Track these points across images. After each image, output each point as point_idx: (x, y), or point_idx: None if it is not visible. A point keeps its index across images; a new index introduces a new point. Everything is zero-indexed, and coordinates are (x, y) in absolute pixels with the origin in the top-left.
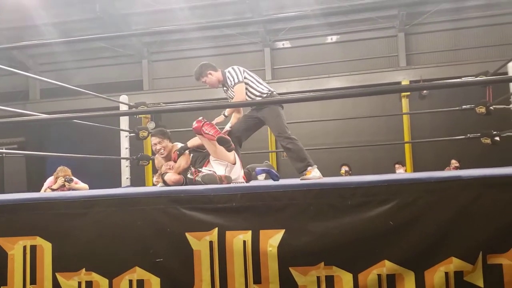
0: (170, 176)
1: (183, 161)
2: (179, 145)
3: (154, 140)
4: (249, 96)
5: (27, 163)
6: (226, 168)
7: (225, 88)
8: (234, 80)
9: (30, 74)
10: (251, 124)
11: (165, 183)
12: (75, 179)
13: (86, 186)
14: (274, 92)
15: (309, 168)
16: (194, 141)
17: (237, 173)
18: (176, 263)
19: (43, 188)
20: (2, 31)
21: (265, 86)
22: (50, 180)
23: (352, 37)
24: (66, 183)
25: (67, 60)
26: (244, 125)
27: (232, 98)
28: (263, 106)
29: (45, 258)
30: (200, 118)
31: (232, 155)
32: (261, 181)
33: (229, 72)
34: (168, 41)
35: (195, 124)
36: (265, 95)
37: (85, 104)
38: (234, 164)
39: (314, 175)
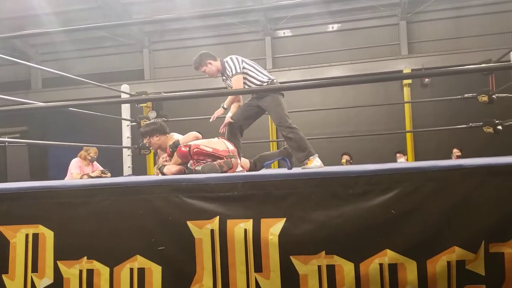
0: (171, 168)
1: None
2: (175, 135)
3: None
4: (248, 86)
5: (29, 152)
6: None
7: (224, 78)
8: (232, 71)
9: (31, 64)
10: (252, 113)
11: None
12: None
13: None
14: (275, 80)
15: (310, 157)
16: (186, 138)
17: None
18: (177, 251)
19: (73, 172)
20: (4, 20)
21: (265, 75)
22: (77, 162)
23: (354, 26)
24: (103, 174)
25: (68, 49)
26: (245, 113)
27: (231, 88)
28: (264, 94)
29: (47, 246)
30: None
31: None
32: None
33: (227, 62)
34: (169, 30)
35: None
36: (265, 83)
37: (87, 94)
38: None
39: (315, 164)
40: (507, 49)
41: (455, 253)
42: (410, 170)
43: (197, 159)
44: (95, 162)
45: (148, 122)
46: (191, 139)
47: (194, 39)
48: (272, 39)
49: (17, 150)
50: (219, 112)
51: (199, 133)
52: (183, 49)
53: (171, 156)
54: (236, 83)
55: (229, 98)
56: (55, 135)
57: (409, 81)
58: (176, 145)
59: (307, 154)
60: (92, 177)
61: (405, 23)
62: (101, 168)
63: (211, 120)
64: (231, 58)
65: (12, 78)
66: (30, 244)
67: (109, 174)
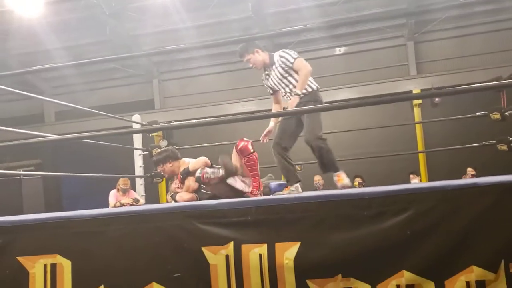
0: (183, 196)
1: (191, 182)
2: (186, 160)
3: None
4: (293, 87)
5: (44, 184)
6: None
7: (266, 73)
8: (292, 56)
9: (44, 97)
10: (293, 127)
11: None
12: (140, 198)
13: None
14: (319, 90)
15: (338, 172)
16: (196, 164)
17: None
18: (193, 278)
19: (110, 202)
20: (16, 56)
21: (313, 80)
22: (113, 193)
23: (361, 48)
24: (134, 202)
25: (79, 82)
26: (289, 127)
27: (278, 84)
28: (307, 101)
29: (65, 276)
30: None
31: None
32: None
33: (279, 55)
34: (177, 60)
35: (242, 144)
36: (311, 90)
37: (99, 125)
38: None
39: (346, 182)
40: None
41: (473, 272)
42: (424, 190)
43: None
44: (131, 191)
45: (160, 150)
46: (200, 165)
47: (202, 67)
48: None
49: (32, 183)
50: (271, 127)
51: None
52: (191, 78)
53: (182, 182)
54: (302, 64)
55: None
56: (68, 166)
57: (419, 101)
58: (186, 172)
59: (336, 167)
60: (123, 205)
61: (412, 44)
62: (135, 197)
63: (261, 140)
64: (283, 51)
65: (25, 112)
66: (48, 274)
67: (141, 202)
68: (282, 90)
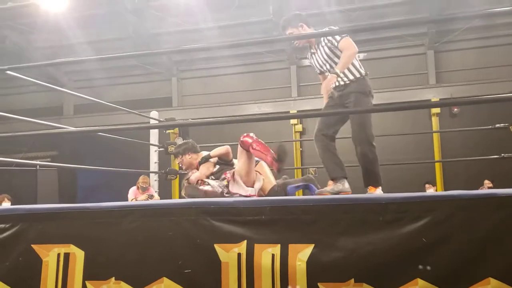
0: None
1: (204, 169)
2: (204, 153)
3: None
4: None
5: (59, 176)
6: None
7: (312, 51)
8: (338, 35)
9: (65, 90)
10: (335, 118)
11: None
12: (155, 194)
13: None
14: (367, 76)
15: (376, 184)
16: (217, 151)
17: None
18: (203, 274)
19: (129, 198)
20: (40, 50)
21: (361, 65)
22: (133, 189)
23: (381, 55)
24: (149, 198)
25: (100, 77)
26: (327, 119)
27: (323, 65)
28: (350, 91)
29: (77, 266)
30: (251, 134)
31: (252, 180)
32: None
33: (326, 32)
34: (197, 59)
35: (244, 139)
36: (359, 75)
37: (117, 120)
38: (252, 187)
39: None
40: None
41: (490, 285)
42: (441, 198)
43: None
44: (150, 188)
45: (181, 143)
46: (222, 152)
47: (221, 68)
48: (297, 67)
49: (47, 174)
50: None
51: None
52: (210, 77)
53: (197, 169)
54: (348, 42)
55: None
56: (83, 159)
57: (438, 110)
58: (206, 158)
59: (376, 180)
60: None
61: (432, 53)
62: (151, 193)
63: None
64: (329, 27)
65: (45, 104)
66: (61, 263)
67: (156, 197)
68: (327, 72)
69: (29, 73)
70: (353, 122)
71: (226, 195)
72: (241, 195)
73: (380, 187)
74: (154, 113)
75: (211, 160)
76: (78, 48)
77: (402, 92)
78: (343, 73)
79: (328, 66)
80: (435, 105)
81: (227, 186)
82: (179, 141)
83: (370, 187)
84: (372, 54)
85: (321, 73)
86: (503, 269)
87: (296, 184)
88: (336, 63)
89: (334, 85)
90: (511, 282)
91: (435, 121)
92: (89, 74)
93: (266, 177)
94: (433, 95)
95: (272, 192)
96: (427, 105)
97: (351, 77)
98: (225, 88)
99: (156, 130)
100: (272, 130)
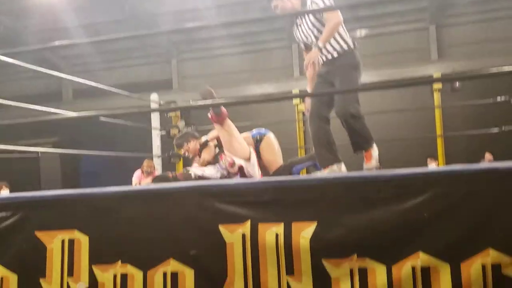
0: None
1: (206, 155)
2: (203, 138)
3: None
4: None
5: (61, 162)
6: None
7: (298, 22)
8: (324, 1)
9: (63, 75)
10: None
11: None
12: None
13: None
14: (356, 48)
15: (370, 148)
16: (212, 134)
17: (252, 171)
18: (209, 255)
19: (133, 182)
20: (35, 34)
21: (349, 37)
22: (137, 173)
23: (382, 31)
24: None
25: (98, 61)
26: (317, 97)
27: (309, 36)
28: (343, 64)
29: (82, 251)
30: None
31: (247, 151)
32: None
33: (312, 0)
34: (196, 40)
35: (221, 111)
36: (346, 48)
37: (117, 104)
38: (249, 160)
39: (372, 163)
40: None
41: (490, 256)
42: (442, 173)
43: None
44: (156, 172)
45: (180, 134)
46: (214, 134)
47: (221, 48)
48: (298, 46)
49: (49, 160)
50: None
51: None
52: (210, 58)
53: (199, 155)
54: (333, 13)
55: (327, 34)
56: (86, 145)
57: (439, 86)
58: (205, 143)
59: (366, 142)
60: None
61: (434, 28)
62: None
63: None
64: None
65: (43, 90)
66: (66, 249)
67: None
68: (313, 43)
69: (26, 59)
70: (338, 95)
71: (228, 176)
72: (243, 169)
73: (374, 148)
74: (154, 96)
75: (210, 143)
76: (74, 32)
77: (404, 68)
78: (331, 46)
79: (313, 38)
80: (437, 80)
81: (226, 168)
82: (181, 124)
83: (367, 152)
84: (373, 30)
85: (306, 48)
86: (502, 240)
87: (302, 164)
88: (321, 33)
89: (321, 61)
90: (508, 252)
91: (436, 96)
92: (86, 58)
93: (273, 156)
94: (435, 71)
95: (277, 173)
96: (428, 81)
97: (339, 50)
98: (225, 68)
99: (158, 113)
100: (275, 110)
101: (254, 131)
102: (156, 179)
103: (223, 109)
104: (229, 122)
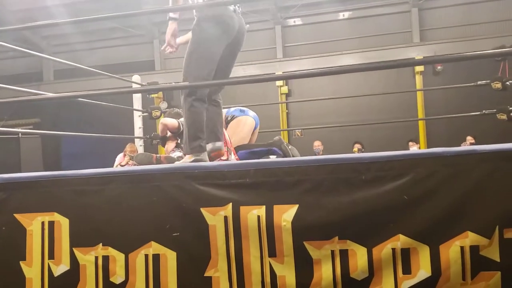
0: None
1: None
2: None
3: None
4: None
5: (43, 144)
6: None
7: None
8: None
9: (44, 55)
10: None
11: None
12: None
13: None
14: None
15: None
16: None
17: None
18: (192, 237)
19: (114, 165)
20: (14, 13)
21: None
22: (120, 156)
23: (365, 13)
24: (131, 161)
25: (79, 41)
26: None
27: None
28: (199, 19)
29: (63, 233)
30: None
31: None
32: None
33: None
34: (180, 21)
35: None
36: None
37: (98, 85)
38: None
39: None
40: None
41: (468, 238)
42: (423, 156)
43: None
44: None
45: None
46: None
47: None
48: (282, 27)
49: (30, 142)
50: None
51: None
52: None
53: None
54: None
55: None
56: (67, 126)
57: (421, 68)
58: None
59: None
60: (122, 166)
61: (417, 10)
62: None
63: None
64: None
65: (24, 70)
66: (46, 232)
67: None
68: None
69: (5, 38)
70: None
71: None
72: None
73: (194, 156)
74: (136, 77)
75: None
76: (55, 11)
77: (386, 51)
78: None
79: None
80: (418, 62)
81: None
82: (164, 105)
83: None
84: (356, 13)
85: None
86: (481, 223)
87: (251, 150)
88: None
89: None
90: (486, 234)
91: (418, 79)
92: (68, 38)
93: (234, 137)
94: (417, 53)
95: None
96: (409, 63)
97: (195, 12)
98: None
99: (139, 95)
100: (258, 92)
101: (232, 109)
102: (138, 157)
103: None
104: None
